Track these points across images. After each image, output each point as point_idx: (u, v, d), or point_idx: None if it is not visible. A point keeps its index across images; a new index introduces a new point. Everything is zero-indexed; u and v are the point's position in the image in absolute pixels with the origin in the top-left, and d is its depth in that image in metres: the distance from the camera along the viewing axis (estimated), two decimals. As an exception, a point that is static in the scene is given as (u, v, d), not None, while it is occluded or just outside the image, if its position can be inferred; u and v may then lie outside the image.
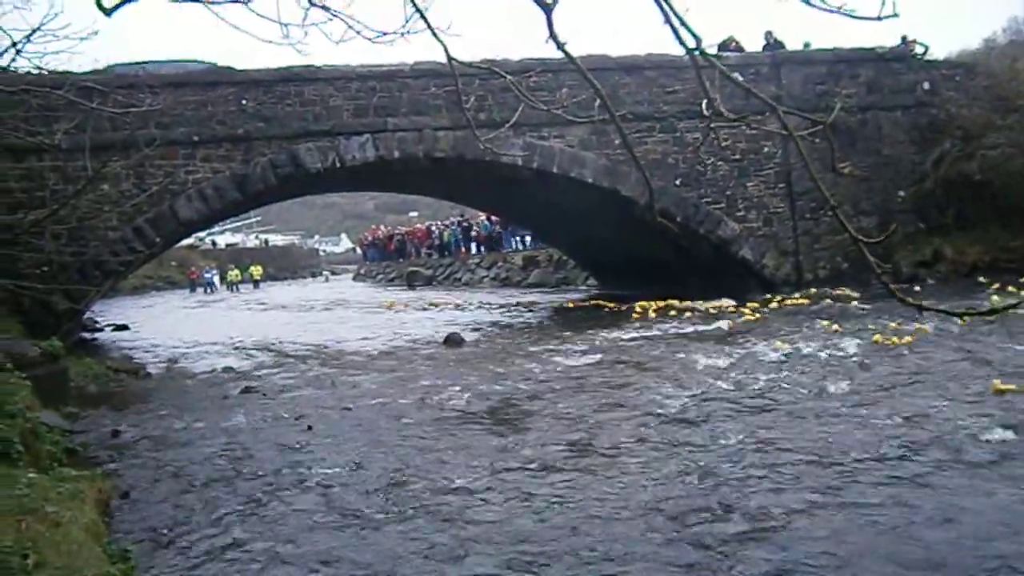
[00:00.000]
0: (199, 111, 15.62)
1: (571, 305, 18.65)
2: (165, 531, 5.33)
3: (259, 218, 67.48)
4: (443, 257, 40.16)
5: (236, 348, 16.47)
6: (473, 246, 37.78)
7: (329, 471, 6.39)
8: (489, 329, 16.66)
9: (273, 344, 16.55)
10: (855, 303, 14.28)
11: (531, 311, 20.01)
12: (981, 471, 5.30)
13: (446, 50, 4.06)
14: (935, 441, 5.99)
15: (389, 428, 7.80)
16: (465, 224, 38.30)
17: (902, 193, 18.28)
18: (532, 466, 6.19)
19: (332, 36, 4.44)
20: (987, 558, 4.10)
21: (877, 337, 10.55)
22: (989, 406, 6.77)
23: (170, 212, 15.51)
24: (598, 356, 11.25)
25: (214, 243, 63.16)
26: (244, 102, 15.84)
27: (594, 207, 18.21)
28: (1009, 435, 5.96)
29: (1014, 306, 3.24)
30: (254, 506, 5.69)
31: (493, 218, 33.94)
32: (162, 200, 15.39)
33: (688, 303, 16.08)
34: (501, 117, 14.27)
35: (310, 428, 7.97)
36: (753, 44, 19.33)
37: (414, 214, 72.84)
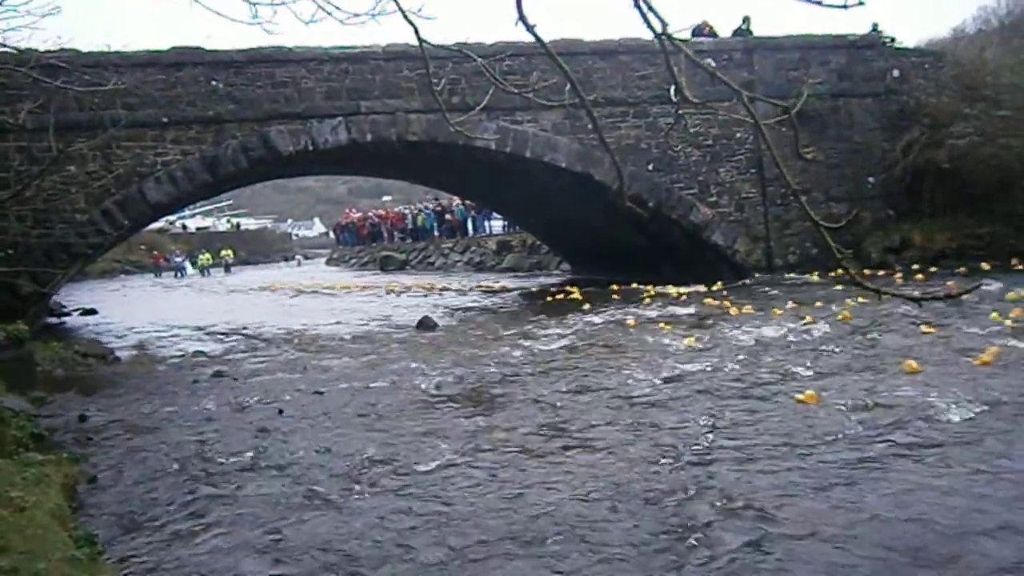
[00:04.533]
0: (168, 92, 15.36)
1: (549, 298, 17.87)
2: (133, 516, 5.29)
3: (230, 202, 66.53)
4: (417, 241, 40.01)
5: (207, 332, 16.32)
6: (447, 230, 37.66)
7: (299, 455, 6.37)
8: (462, 313, 16.66)
9: (244, 328, 16.42)
10: (821, 287, 14.45)
11: (504, 296, 20.02)
12: (949, 451, 5.40)
13: (416, 32, 4.04)
14: (902, 421, 6.09)
15: (360, 412, 7.79)
16: (439, 208, 38.16)
17: (872, 180, 18.49)
18: (504, 448, 6.22)
19: (302, 16, 4.41)
20: (955, 536, 4.19)
21: (845, 314, 11.06)
22: (956, 385, 6.88)
23: (139, 194, 15.28)
24: (571, 340, 11.30)
25: (184, 227, 62.41)
26: (214, 83, 15.60)
27: (567, 192, 18.22)
28: (978, 414, 6.08)
29: (972, 290, 3.30)
30: (223, 490, 5.67)
31: (467, 203, 33.83)
32: (130, 182, 15.16)
33: (679, 289, 16.18)
34: (474, 101, 14.17)
35: (281, 412, 7.94)
36: (731, 31, 19.40)
37: (388, 198, 72.34)
